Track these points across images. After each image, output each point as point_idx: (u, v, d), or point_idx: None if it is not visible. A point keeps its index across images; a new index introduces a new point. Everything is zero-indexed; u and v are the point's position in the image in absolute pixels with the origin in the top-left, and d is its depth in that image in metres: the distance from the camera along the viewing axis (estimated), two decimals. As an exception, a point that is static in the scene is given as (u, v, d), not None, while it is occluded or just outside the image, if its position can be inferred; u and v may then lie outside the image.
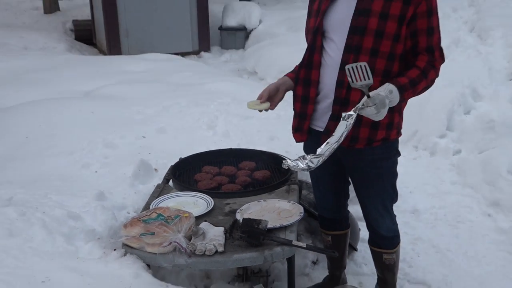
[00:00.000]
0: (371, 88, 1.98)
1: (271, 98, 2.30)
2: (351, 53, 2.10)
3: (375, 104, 1.92)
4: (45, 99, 4.28)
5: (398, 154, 2.37)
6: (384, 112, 1.95)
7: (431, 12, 2.08)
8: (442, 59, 2.16)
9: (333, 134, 1.99)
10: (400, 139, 2.35)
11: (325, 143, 1.98)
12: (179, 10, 8.02)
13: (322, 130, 2.24)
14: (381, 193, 2.38)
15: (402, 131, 2.34)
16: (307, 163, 1.98)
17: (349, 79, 1.95)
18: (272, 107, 2.31)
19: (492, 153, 4.09)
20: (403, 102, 2.14)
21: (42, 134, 3.57)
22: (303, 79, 2.28)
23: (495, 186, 3.81)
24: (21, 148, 3.42)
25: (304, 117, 2.32)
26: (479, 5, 8.23)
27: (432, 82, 2.14)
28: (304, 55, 2.28)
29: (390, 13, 2.05)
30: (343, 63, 2.09)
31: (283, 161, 2.04)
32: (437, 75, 2.15)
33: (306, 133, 2.33)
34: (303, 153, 2.16)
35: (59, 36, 8.61)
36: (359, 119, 2.03)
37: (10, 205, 2.42)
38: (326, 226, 2.67)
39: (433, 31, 2.10)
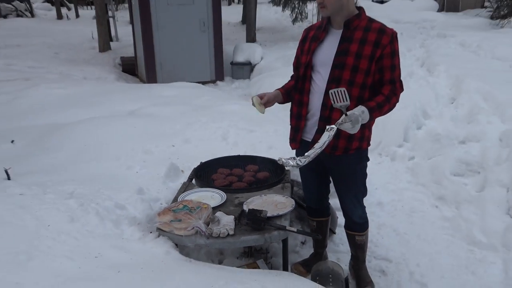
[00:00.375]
0: (348, 108, 2.00)
1: (269, 102, 2.31)
2: (333, 83, 2.14)
3: (351, 121, 1.95)
4: (99, 117, 4.29)
5: (368, 159, 2.37)
6: (357, 127, 1.98)
7: (394, 53, 2.11)
8: (401, 88, 2.19)
9: (318, 141, 2.02)
10: (368, 148, 2.35)
11: (312, 148, 2.02)
12: (201, 49, 8.04)
13: (310, 140, 2.25)
14: (354, 189, 2.39)
15: (370, 142, 2.35)
16: (296, 161, 2.02)
17: (332, 101, 2.00)
18: (263, 110, 2.31)
19: (438, 159, 4.07)
20: (372, 120, 2.14)
21: (97, 143, 3.58)
22: (297, 101, 2.31)
23: (440, 185, 3.79)
24: (81, 154, 3.43)
25: (297, 130, 2.34)
26: (427, 46, 8.25)
27: (394, 105, 2.16)
28: (297, 83, 2.30)
29: (363, 54, 2.08)
30: (327, 90, 2.11)
31: (279, 158, 2.08)
32: (397, 100, 2.16)
33: (299, 142, 2.35)
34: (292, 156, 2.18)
35: (110, 69, 8.63)
36: (338, 132, 2.06)
37: (72, 198, 2.42)
38: (312, 214, 2.66)
39: (395, 67, 2.13)
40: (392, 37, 2.09)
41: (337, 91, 2.00)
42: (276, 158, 2.84)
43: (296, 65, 2.36)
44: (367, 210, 2.53)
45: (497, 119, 4.42)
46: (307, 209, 2.69)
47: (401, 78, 2.21)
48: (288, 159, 2.06)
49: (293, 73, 2.42)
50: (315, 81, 2.22)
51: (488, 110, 4.62)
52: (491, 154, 3.80)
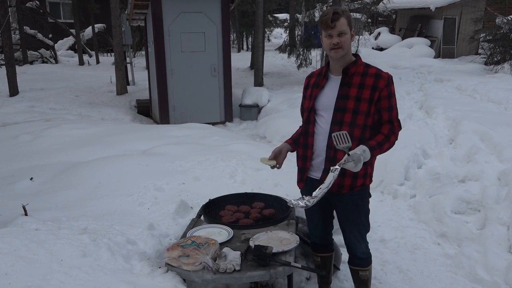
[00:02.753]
0: (351, 149, 2.04)
1: (277, 157, 2.35)
2: (336, 125, 2.19)
3: (353, 160, 1.99)
4: (114, 155, 4.32)
5: (370, 195, 2.37)
6: (360, 166, 2.02)
7: (391, 95, 2.16)
8: (399, 127, 2.23)
9: (324, 182, 2.05)
10: (370, 185, 2.34)
11: (318, 189, 2.05)
12: (212, 92, 8.17)
13: (318, 178, 2.27)
14: (358, 224, 2.37)
15: (372, 178, 2.35)
16: (305, 202, 2.05)
17: (335, 143, 2.02)
18: (279, 166, 2.37)
19: (439, 197, 4.02)
20: (373, 158, 2.17)
21: (111, 180, 3.58)
22: (303, 143, 2.35)
23: (442, 222, 3.73)
24: (95, 191, 3.43)
25: (304, 171, 2.37)
26: (425, 90, 8.34)
27: (393, 144, 2.20)
28: (302, 126, 2.37)
29: (362, 97, 2.13)
30: (331, 132, 2.15)
31: (288, 201, 2.11)
32: (396, 139, 2.20)
33: (305, 181, 2.37)
34: (299, 196, 2.20)
35: (126, 110, 8.77)
36: (343, 171, 2.11)
37: (85, 233, 2.40)
38: (316, 249, 2.62)
39: (392, 108, 2.18)
40: (388, 80, 2.15)
41: (339, 134, 2.03)
42: (283, 197, 2.86)
43: (302, 110, 2.42)
44: (370, 246, 2.49)
45: (495, 158, 4.39)
46: (312, 245, 2.64)
47: (400, 119, 2.26)
48: (298, 200, 2.08)
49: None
50: (319, 124, 2.26)
51: (485, 150, 4.60)
52: (491, 192, 3.74)
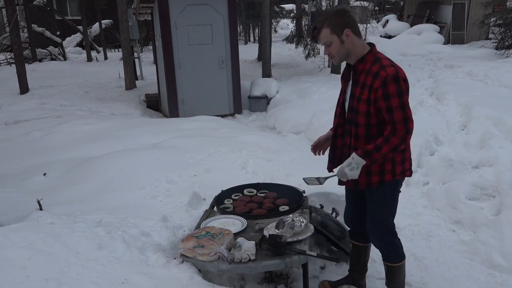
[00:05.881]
0: (352, 150, 2.21)
1: (321, 144, 2.48)
2: (347, 123, 2.24)
3: (337, 175, 2.20)
4: (125, 149, 4.34)
5: (394, 189, 2.29)
6: (352, 174, 2.13)
7: (387, 96, 2.03)
8: (405, 130, 2.05)
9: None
10: (397, 178, 2.27)
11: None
12: (220, 85, 8.15)
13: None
14: (374, 215, 2.36)
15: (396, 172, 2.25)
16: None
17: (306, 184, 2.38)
18: (324, 152, 2.51)
19: (452, 184, 3.97)
20: (374, 162, 2.12)
21: (123, 174, 3.60)
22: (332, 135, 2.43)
23: (456, 209, 3.69)
24: (108, 185, 3.45)
25: (329, 160, 2.43)
26: (436, 76, 8.21)
27: (395, 146, 2.07)
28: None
29: (362, 98, 2.13)
30: (347, 130, 2.26)
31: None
32: (399, 141, 2.06)
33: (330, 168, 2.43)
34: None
35: (135, 105, 8.79)
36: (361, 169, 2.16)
37: (100, 226, 2.42)
38: (350, 235, 2.61)
39: (392, 110, 2.04)
40: (384, 80, 2.01)
41: (308, 179, 2.40)
42: (294, 185, 2.85)
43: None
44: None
45: (509, 144, 4.32)
46: (349, 231, 2.63)
47: (411, 106, 2.13)
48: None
49: None
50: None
51: (499, 136, 4.52)
52: (506, 178, 3.68)
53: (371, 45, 2.18)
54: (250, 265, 2.08)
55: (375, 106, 2.07)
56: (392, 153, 2.09)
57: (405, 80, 2.06)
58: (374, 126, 2.12)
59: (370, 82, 2.05)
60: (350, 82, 2.22)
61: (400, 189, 2.33)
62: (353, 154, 2.12)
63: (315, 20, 2.21)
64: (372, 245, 2.51)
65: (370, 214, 2.35)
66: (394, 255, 2.38)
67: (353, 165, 2.11)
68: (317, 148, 2.49)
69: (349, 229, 2.60)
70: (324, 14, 2.17)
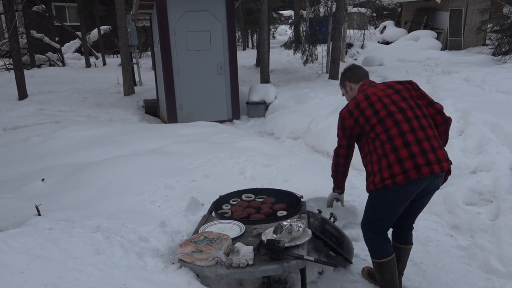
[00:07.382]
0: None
1: None
2: None
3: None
4: (123, 155, 4.34)
5: (373, 198, 2.45)
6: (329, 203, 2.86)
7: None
8: (334, 153, 2.61)
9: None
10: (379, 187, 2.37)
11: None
12: (218, 90, 8.17)
13: None
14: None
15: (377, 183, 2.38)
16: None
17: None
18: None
19: (450, 189, 3.99)
20: (337, 185, 2.76)
21: (121, 180, 3.60)
22: None
23: (454, 214, 3.70)
24: (106, 190, 3.45)
25: None
26: (433, 82, 8.25)
27: (333, 165, 2.64)
28: None
29: None
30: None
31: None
32: (333, 160, 2.62)
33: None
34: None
35: (134, 111, 8.80)
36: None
37: (98, 231, 2.42)
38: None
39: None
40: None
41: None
42: (292, 190, 2.86)
43: None
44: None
45: (506, 149, 4.34)
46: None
47: (342, 143, 2.52)
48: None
49: None
50: None
51: (496, 141, 4.54)
52: (503, 183, 3.70)
53: (370, 83, 2.61)
54: (248, 270, 2.09)
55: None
56: (336, 174, 2.67)
57: (343, 118, 2.49)
58: (362, 150, 2.52)
59: None
60: None
61: (398, 194, 2.35)
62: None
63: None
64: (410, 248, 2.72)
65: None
66: (371, 254, 2.56)
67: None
68: None
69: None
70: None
